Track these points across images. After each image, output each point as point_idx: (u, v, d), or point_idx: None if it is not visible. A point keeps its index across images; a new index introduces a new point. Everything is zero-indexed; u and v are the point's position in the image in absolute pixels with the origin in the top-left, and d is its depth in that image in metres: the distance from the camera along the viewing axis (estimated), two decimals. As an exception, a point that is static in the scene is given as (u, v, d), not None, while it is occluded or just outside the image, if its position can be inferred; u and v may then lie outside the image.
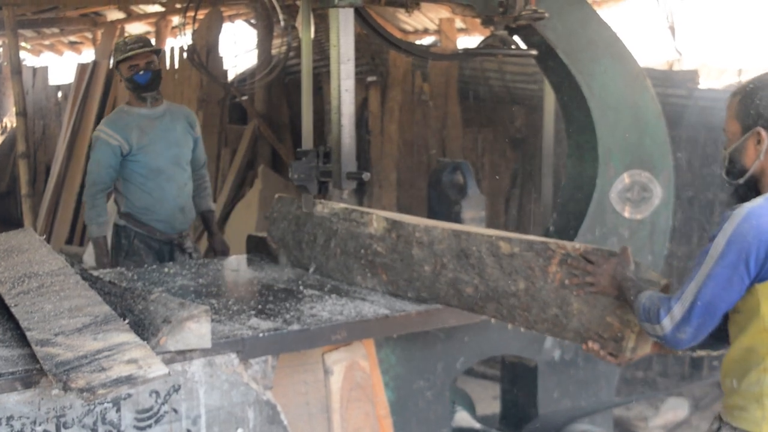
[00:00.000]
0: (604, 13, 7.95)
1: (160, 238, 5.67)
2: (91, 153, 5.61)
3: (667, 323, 2.88)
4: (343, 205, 4.46)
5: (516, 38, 4.99)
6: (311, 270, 4.56)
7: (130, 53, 5.50)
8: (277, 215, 4.85)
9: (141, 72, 5.53)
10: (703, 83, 7.21)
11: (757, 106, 2.88)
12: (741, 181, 2.96)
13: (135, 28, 12.57)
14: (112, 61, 5.86)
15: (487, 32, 4.86)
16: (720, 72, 7.59)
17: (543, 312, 3.54)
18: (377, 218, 4.21)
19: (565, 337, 3.52)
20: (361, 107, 9.27)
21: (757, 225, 2.72)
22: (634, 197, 5.07)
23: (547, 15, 4.67)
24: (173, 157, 5.66)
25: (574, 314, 3.43)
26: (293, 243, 4.71)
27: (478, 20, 4.97)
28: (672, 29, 6.81)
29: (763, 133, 2.87)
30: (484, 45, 4.87)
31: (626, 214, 5.06)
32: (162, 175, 5.61)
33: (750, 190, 2.94)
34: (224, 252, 5.87)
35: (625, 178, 5.04)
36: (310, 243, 4.58)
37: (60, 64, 14.65)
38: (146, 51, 5.55)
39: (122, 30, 12.12)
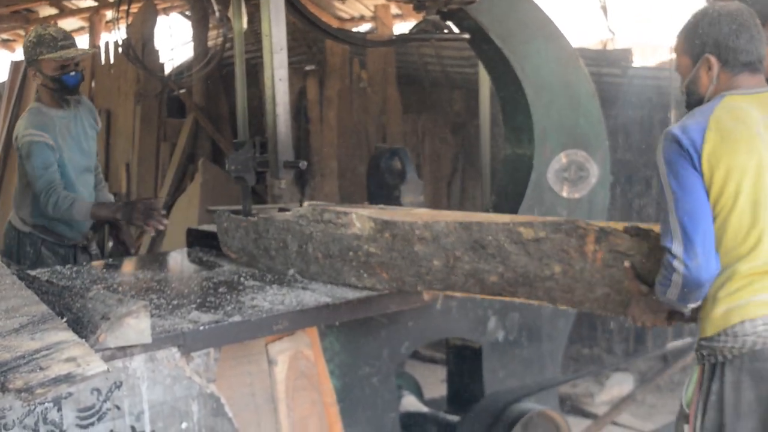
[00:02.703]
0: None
1: (67, 243, 5.25)
2: (31, 159, 4.91)
3: (678, 264, 2.90)
4: (309, 206, 4.23)
5: (449, 23, 5.02)
6: (290, 273, 4.28)
7: (64, 53, 4.93)
8: (228, 225, 4.61)
9: (72, 73, 5.00)
10: (637, 61, 7.29)
11: (701, 35, 3.10)
12: None
13: (68, 24, 12.40)
14: (25, 53, 5.08)
15: (420, 17, 4.88)
16: (653, 50, 7.67)
17: (590, 292, 3.40)
18: (359, 218, 3.95)
19: (619, 313, 3.41)
20: (300, 96, 9.27)
21: (671, 135, 2.96)
22: (571, 176, 5.12)
23: (478, -2, 4.71)
24: (86, 165, 5.26)
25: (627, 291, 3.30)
26: (258, 252, 4.47)
27: (411, 5, 4.99)
28: (604, 9, 6.88)
29: (711, 58, 3.09)
30: (417, 30, 4.90)
31: (564, 194, 5.11)
32: (76, 185, 5.15)
33: None
34: (131, 244, 5.49)
35: (562, 158, 5.09)
36: (280, 249, 4.32)
37: (-8, 62, 14.46)
38: (85, 53, 5.22)
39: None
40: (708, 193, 2.94)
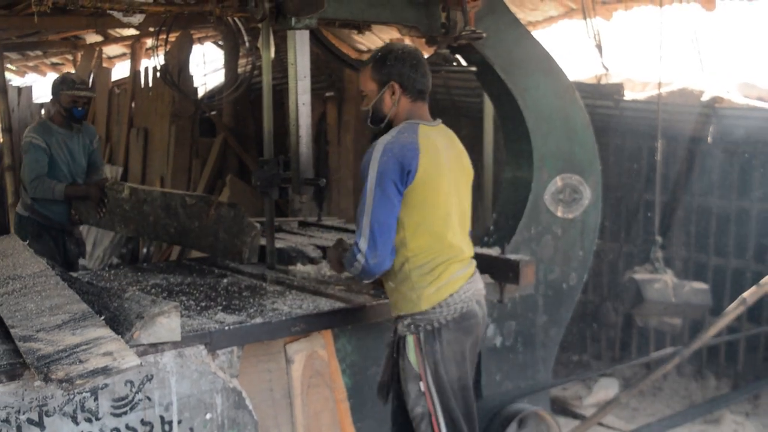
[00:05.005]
0: (537, 33, 8.00)
1: (56, 226, 6.29)
2: (26, 155, 6.13)
3: (360, 257, 3.48)
4: (113, 181, 6.13)
5: (458, 56, 5.02)
6: (91, 223, 6.10)
7: (78, 93, 6.14)
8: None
9: (79, 108, 6.20)
10: (628, 95, 7.29)
11: (389, 66, 3.59)
12: (382, 125, 3.66)
13: (112, 50, 12.46)
14: (52, 87, 6.31)
15: (432, 51, 4.88)
16: (643, 85, 7.66)
17: (206, 239, 4.78)
18: (126, 188, 5.61)
19: (216, 253, 4.78)
20: (320, 120, 9.28)
21: (391, 154, 3.44)
22: (565, 198, 5.12)
23: (485, 35, 4.71)
24: (71, 171, 6.27)
25: (221, 239, 4.67)
26: (92, 212, 5.97)
27: (423, 40, 4.99)
28: (599, 47, 6.86)
29: (396, 85, 3.59)
30: (429, 63, 4.89)
31: (559, 214, 5.11)
32: (62, 180, 6.17)
33: (388, 130, 3.61)
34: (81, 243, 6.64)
35: (558, 182, 5.09)
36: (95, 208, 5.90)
37: (43, 83, 14.50)
38: (90, 96, 6.39)
39: (100, 52, 12.01)
40: (416, 204, 3.48)
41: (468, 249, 3.72)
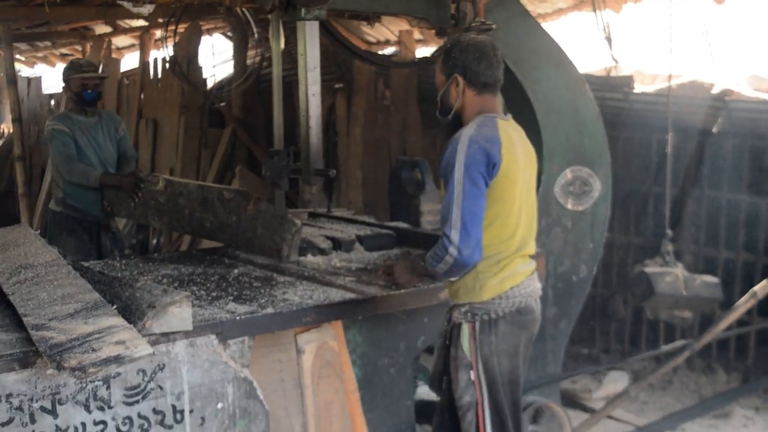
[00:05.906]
0: (547, 25, 8.00)
1: (90, 219, 6.21)
2: (53, 144, 6.05)
3: (453, 250, 3.42)
4: (146, 173, 5.92)
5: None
6: (123, 215, 5.99)
7: (86, 75, 6.11)
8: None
9: (89, 90, 6.14)
10: (638, 88, 7.28)
11: (454, 59, 3.60)
12: (449, 116, 3.67)
13: (121, 41, 12.47)
14: (63, 74, 6.28)
15: (442, 42, 4.88)
16: (652, 77, 7.66)
17: (243, 235, 4.69)
18: (161, 180, 5.50)
19: (254, 250, 4.69)
20: (329, 112, 9.27)
21: (478, 146, 3.41)
22: (575, 191, 5.12)
23: (494, 26, 4.71)
24: (100, 159, 6.18)
25: (259, 236, 4.56)
26: (124, 204, 5.87)
27: (433, 31, 5.00)
28: (609, 39, 6.84)
29: (459, 77, 3.59)
30: (438, 54, 4.90)
31: (569, 206, 5.12)
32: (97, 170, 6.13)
33: (456, 122, 3.64)
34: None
35: (568, 174, 5.09)
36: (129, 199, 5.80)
37: (52, 74, 14.51)
38: (99, 76, 6.30)
39: (109, 43, 12.02)
40: (497, 197, 3.47)
41: (532, 245, 3.73)
